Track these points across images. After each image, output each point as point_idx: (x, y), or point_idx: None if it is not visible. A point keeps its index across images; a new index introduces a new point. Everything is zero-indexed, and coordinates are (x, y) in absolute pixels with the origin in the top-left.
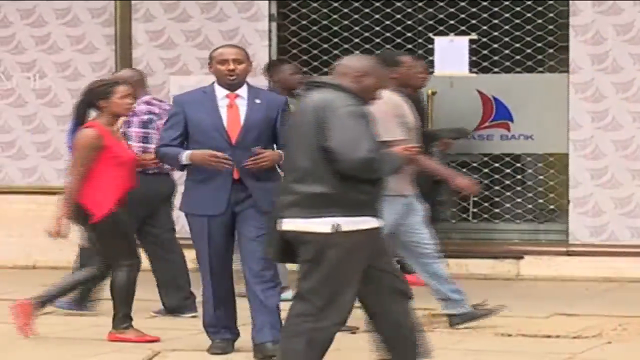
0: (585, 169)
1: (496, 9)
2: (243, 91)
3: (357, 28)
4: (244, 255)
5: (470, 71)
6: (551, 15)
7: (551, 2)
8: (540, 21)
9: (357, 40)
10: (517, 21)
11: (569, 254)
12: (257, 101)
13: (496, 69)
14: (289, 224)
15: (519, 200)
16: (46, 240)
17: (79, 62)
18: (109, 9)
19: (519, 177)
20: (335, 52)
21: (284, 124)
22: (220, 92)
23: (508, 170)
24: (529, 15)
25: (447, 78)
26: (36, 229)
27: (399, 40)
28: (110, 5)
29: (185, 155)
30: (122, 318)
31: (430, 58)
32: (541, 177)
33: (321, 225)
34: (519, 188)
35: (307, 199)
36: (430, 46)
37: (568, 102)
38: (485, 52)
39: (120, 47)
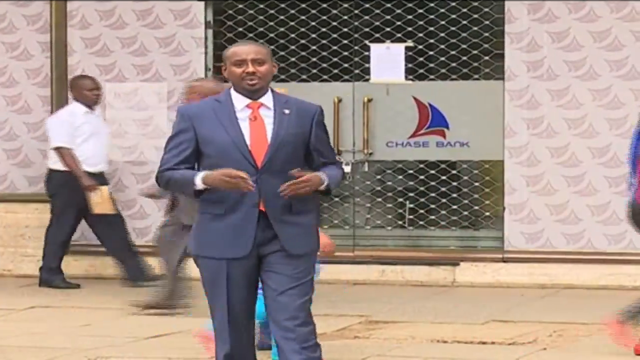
0: (520, 175)
1: (432, 17)
2: (268, 99)
3: (293, 35)
4: (271, 311)
5: (406, 78)
6: (486, 22)
7: (486, 9)
8: (475, 29)
9: (293, 47)
10: (453, 28)
11: (504, 260)
12: (286, 111)
13: (432, 76)
14: None
15: (454, 207)
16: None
17: (14, 69)
18: (44, 16)
19: (454, 184)
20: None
21: (321, 139)
22: (239, 101)
23: (444, 177)
24: (464, 22)
25: (383, 85)
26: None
27: (335, 48)
28: (46, 12)
29: (199, 178)
30: None
31: (367, 65)
32: (477, 183)
33: None
34: (454, 195)
35: None
36: (366, 53)
37: (503, 109)
38: (421, 59)
39: (55, 54)
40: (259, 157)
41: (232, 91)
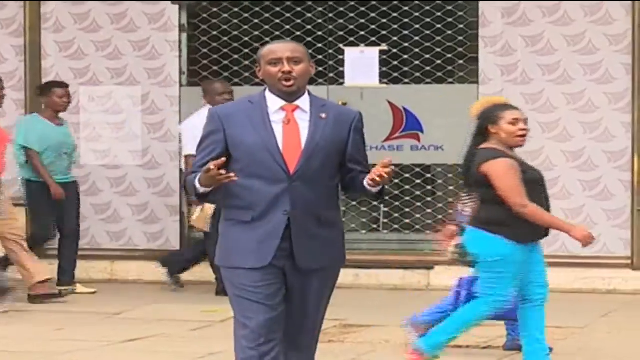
0: None
1: (406, 21)
2: (304, 102)
3: (267, 39)
4: (284, 331)
5: (381, 82)
6: (461, 26)
7: (461, 13)
8: (450, 32)
9: None
10: (427, 32)
11: None
12: (322, 115)
13: (406, 80)
14: None
15: (429, 210)
16: None
17: None
18: (18, 20)
19: (429, 187)
20: (246, 62)
21: (358, 147)
22: (274, 102)
23: (418, 181)
24: (438, 26)
25: (358, 89)
26: None
27: (309, 51)
28: (20, 16)
29: (198, 179)
30: None
31: (341, 69)
32: (451, 187)
33: None
34: (429, 199)
35: None
36: (340, 57)
37: None
38: (395, 63)
39: (29, 57)
40: (292, 164)
41: (267, 92)
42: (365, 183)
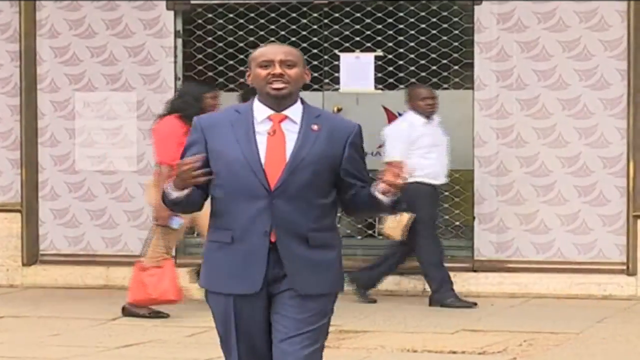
0: (490, 185)
1: (401, 26)
2: (295, 111)
3: (263, 45)
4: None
5: (376, 88)
6: (456, 32)
7: (456, 19)
8: (445, 38)
9: None
10: (422, 38)
11: (474, 269)
12: (314, 127)
13: (402, 86)
14: None
15: None
16: None
17: None
18: (13, 25)
19: None
20: (241, 68)
21: (354, 162)
22: (261, 111)
23: None
24: (434, 32)
25: (353, 95)
26: None
27: (304, 57)
28: (15, 21)
29: (169, 186)
30: None
31: (336, 75)
32: (446, 193)
33: None
34: None
35: None
36: (336, 63)
37: (473, 118)
38: (390, 68)
39: (24, 63)
40: (273, 179)
41: (256, 100)
42: (375, 193)
